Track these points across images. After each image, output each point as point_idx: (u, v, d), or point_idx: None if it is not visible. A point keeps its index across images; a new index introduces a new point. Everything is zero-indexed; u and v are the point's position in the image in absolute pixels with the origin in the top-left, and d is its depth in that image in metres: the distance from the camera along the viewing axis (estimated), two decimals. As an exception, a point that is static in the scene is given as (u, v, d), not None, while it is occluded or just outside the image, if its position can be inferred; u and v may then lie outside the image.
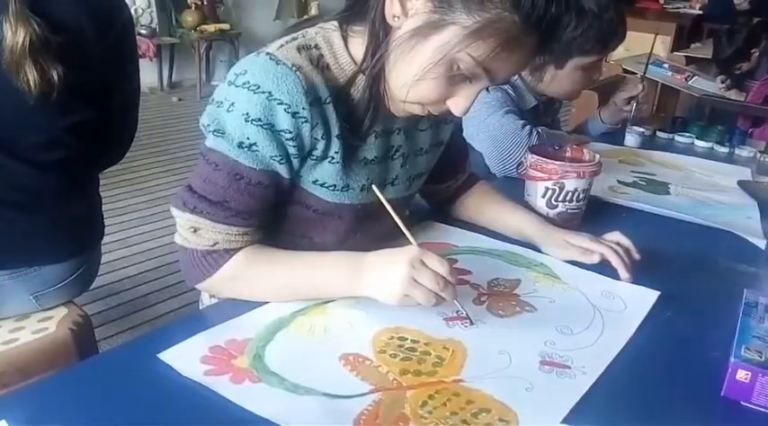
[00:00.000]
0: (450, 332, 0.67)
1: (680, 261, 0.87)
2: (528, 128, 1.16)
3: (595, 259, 0.83)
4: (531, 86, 1.29)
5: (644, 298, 0.77)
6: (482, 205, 0.96)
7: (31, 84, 0.82)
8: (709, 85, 2.50)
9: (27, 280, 0.95)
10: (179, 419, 0.53)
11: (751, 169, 1.37)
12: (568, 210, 0.95)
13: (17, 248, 0.93)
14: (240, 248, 0.71)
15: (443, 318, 0.70)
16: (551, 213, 0.94)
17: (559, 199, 0.94)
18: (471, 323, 0.69)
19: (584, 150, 1.00)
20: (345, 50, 0.71)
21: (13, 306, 0.97)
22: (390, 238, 0.81)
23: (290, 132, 0.67)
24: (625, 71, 2.67)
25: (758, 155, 1.45)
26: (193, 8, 4.40)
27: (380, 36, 0.67)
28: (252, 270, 0.71)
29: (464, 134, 1.25)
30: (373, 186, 0.71)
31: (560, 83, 1.26)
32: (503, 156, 1.14)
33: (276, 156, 0.68)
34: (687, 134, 1.59)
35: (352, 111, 0.72)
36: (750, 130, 1.96)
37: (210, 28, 4.37)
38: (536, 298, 0.76)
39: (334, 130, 0.70)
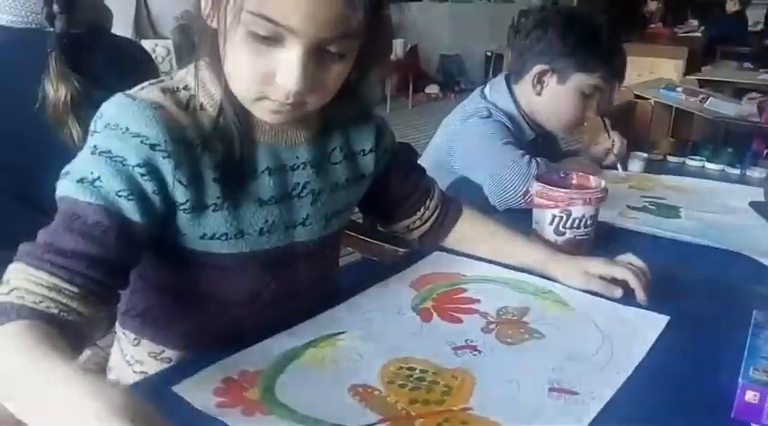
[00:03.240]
0: (458, 361, 0.68)
1: (689, 284, 0.87)
2: (527, 157, 1.16)
3: (618, 294, 0.82)
4: (528, 117, 1.30)
5: (653, 324, 0.77)
6: (479, 236, 0.94)
7: (75, 138, 0.86)
8: (724, 106, 2.50)
9: None
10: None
11: (764, 189, 1.36)
12: (576, 237, 0.95)
13: None
14: (42, 310, 0.53)
15: (452, 347, 0.71)
16: (560, 240, 0.95)
17: (567, 225, 0.95)
18: None
19: (590, 177, 1.02)
20: (217, 85, 0.66)
21: None
22: (311, 286, 0.77)
23: (147, 166, 0.61)
24: (636, 97, 2.68)
25: (770, 175, 1.45)
26: (212, 52, 4.53)
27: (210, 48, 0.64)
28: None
29: (460, 166, 1.25)
30: None
31: (558, 102, 1.26)
32: (505, 188, 1.14)
33: (123, 191, 0.59)
34: (698, 157, 1.59)
35: (230, 149, 0.66)
36: (765, 151, 1.94)
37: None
38: (545, 325, 0.76)
39: (209, 175, 0.65)
